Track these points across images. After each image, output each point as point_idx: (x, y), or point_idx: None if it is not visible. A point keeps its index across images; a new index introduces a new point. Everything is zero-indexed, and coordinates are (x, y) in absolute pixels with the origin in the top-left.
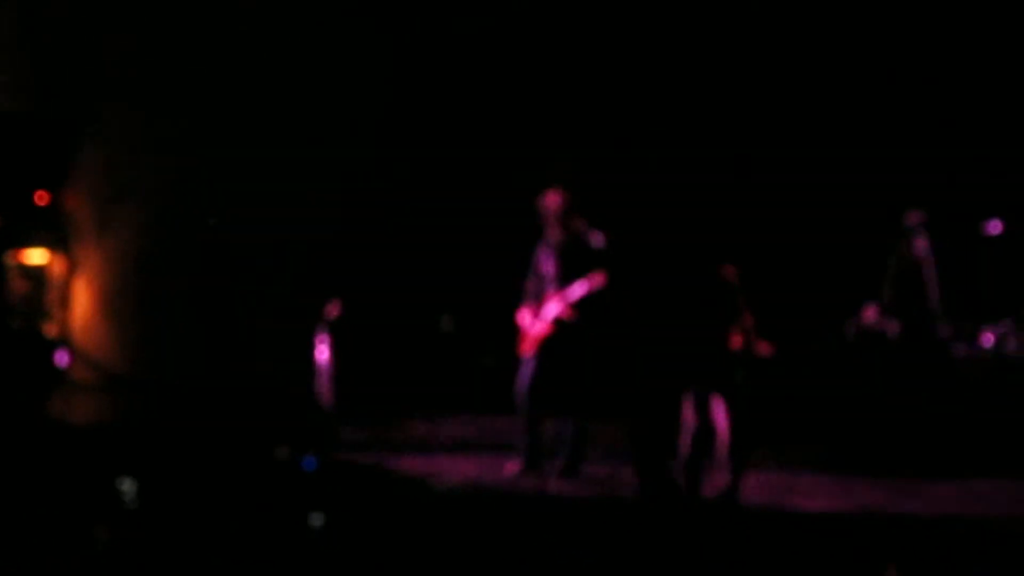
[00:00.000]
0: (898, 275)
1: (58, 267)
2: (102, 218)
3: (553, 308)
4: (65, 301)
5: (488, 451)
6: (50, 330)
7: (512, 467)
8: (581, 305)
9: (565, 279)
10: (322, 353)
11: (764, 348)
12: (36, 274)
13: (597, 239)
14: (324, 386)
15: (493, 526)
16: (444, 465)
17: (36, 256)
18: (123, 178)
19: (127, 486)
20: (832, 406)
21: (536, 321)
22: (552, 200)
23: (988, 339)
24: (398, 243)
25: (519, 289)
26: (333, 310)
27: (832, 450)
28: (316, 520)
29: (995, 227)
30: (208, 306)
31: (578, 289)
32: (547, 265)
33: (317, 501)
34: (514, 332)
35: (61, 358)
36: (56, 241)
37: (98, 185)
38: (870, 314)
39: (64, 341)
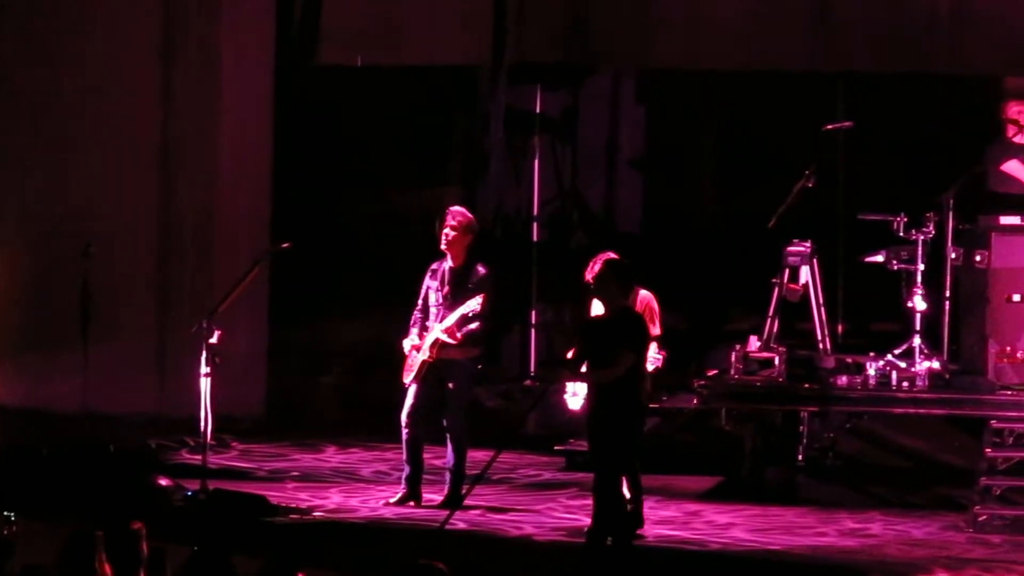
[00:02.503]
0: (781, 306)
1: None
2: None
3: (435, 334)
4: None
5: (375, 480)
6: None
7: (392, 496)
8: (462, 330)
9: (452, 308)
10: (205, 379)
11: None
12: None
13: (482, 268)
14: (207, 412)
15: (369, 558)
16: (327, 495)
17: None
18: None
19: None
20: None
21: (418, 348)
22: (469, 219)
23: (872, 371)
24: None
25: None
26: (215, 334)
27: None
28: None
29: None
30: (90, 331)
31: (458, 314)
32: (434, 293)
33: (193, 532)
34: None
35: None
36: None
37: None
38: (753, 345)
39: None
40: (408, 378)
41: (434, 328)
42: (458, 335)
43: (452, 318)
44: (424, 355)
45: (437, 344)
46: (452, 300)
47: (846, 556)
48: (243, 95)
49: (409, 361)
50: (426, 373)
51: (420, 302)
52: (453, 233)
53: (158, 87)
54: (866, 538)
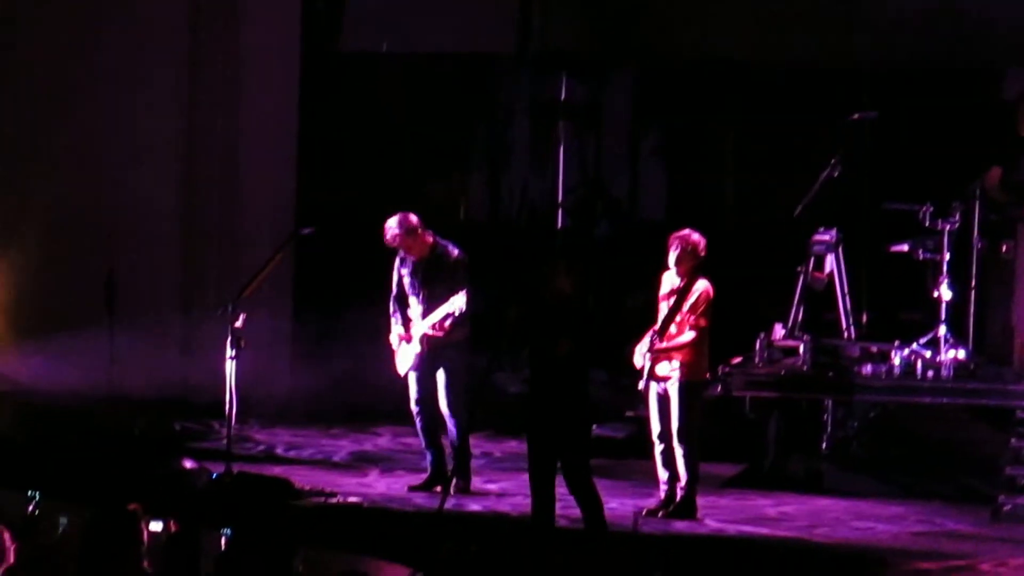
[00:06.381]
0: (806, 295)
1: None
2: (5, 229)
3: (421, 329)
4: None
5: (403, 466)
6: None
7: (417, 481)
8: (449, 323)
9: (431, 295)
10: (231, 363)
11: None
12: None
13: (454, 250)
14: (232, 395)
15: (389, 544)
16: (352, 479)
17: None
18: (27, 189)
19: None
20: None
21: (406, 339)
22: (407, 223)
23: (897, 360)
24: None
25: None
26: (240, 318)
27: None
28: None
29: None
30: (116, 315)
31: (442, 311)
32: (408, 278)
33: (218, 515)
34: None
35: None
36: None
37: (2, 196)
38: (778, 333)
39: None
40: (402, 369)
41: (418, 323)
42: (445, 325)
43: (437, 315)
44: (415, 347)
45: (425, 337)
46: (428, 285)
47: (868, 546)
48: (268, 81)
49: (400, 352)
50: (420, 363)
51: (395, 289)
52: (402, 245)
53: (183, 74)
54: (890, 528)
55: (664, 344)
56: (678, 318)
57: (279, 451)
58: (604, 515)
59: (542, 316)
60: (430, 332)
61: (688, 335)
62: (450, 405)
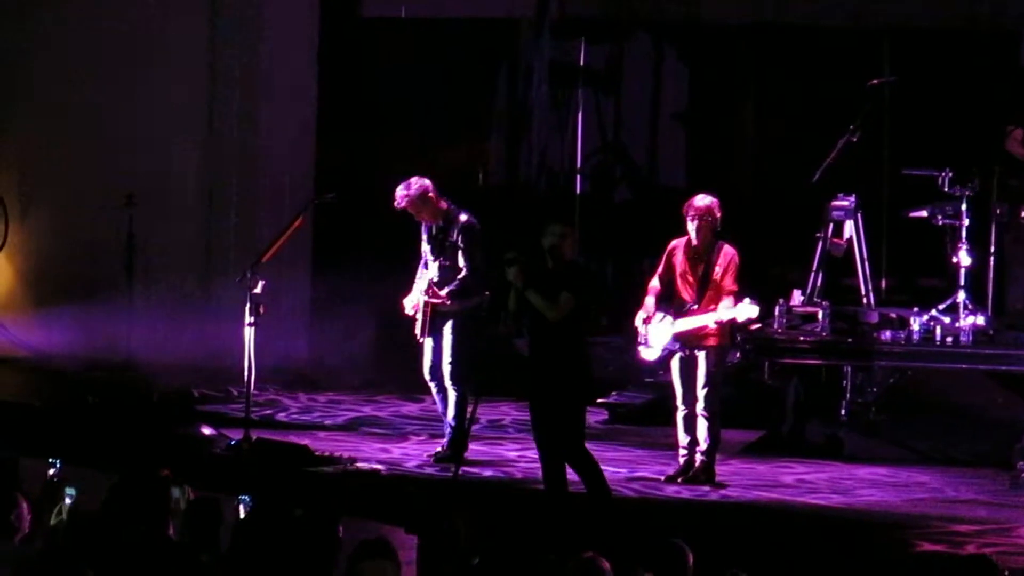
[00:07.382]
0: (825, 260)
1: None
2: (25, 195)
3: (423, 298)
4: None
5: (419, 432)
6: None
7: (436, 448)
8: (445, 290)
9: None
10: (249, 329)
11: None
12: None
13: (462, 216)
14: (251, 361)
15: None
16: (371, 446)
17: None
18: (47, 156)
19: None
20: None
21: (417, 307)
22: (418, 188)
23: (916, 326)
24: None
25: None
26: (259, 284)
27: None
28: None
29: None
30: (135, 280)
31: (425, 281)
32: (426, 245)
33: (236, 481)
34: None
35: None
36: None
37: (22, 163)
38: (796, 299)
39: None
40: (420, 336)
41: (429, 288)
42: (441, 294)
43: (423, 283)
44: (420, 315)
45: (428, 305)
46: (439, 251)
47: (887, 512)
48: (288, 46)
49: (416, 319)
50: (430, 329)
51: (423, 255)
52: (412, 210)
53: (203, 38)
54: (907, 494)
55: (708, 317)
56: (709, 285)
57: (298, 417)
58: (605, 481)
59: (542, 279)
60: (432, 300)
61: (729, 305)
62: (451, 374)
